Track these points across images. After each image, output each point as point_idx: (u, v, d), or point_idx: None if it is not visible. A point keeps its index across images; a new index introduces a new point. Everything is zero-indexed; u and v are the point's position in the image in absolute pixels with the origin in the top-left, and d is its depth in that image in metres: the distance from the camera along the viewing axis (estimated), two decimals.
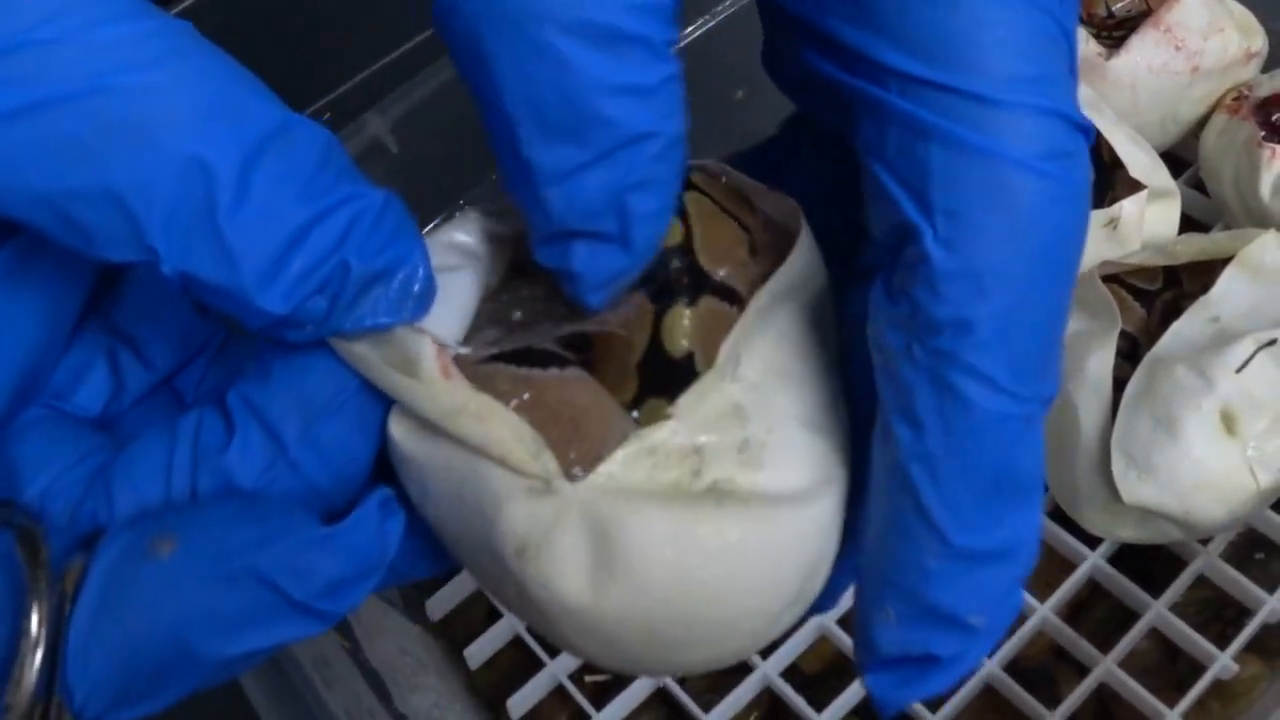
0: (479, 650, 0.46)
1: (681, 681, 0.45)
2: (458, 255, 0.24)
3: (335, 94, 0.56)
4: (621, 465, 0.22)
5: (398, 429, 0.23)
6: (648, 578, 0.22)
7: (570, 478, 0.22)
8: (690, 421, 0.22)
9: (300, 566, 0.21)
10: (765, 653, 0.44)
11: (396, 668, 0.44)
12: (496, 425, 0.22)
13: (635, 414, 0.23)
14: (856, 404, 0.25)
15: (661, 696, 0.45)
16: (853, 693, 0.43)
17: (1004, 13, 0.21)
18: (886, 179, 0.22)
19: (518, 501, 0.22)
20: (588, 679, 0.46)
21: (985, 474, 0.22)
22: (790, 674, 0.44)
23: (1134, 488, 0.39)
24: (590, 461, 0.22)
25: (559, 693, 0.45)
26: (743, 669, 0.44)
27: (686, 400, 0.23)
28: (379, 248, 0.21)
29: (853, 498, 0.24)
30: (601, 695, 0.45)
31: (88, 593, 0.21)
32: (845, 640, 0.44)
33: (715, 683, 0.44)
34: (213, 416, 0.23)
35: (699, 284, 0.24)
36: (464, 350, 0.23)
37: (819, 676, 0.45)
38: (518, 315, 0.24)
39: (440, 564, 0.25)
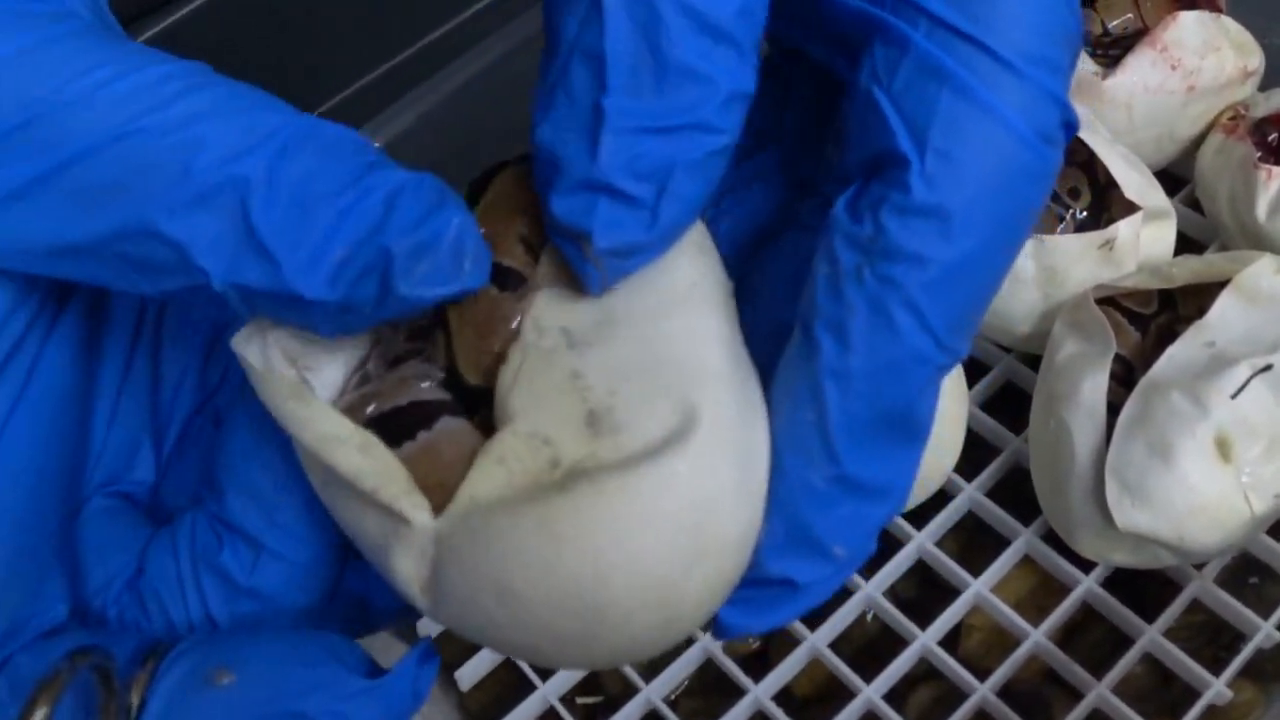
0: (470, 672, 0.46)
1: (673, 704, 0.45)
2: None
3: (325, 107, 0.56)
4: (478, 483, 0.21)
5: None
6: (529, 587, 0.21)
7: (435, 511, 0.22)
8: (529, 412, 0.22)
9: (342, 712, 0.23)
10: (757, 676, 0.44)
11: None
12: (372, 460, 0.22)
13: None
14: (759, 311, 0.25)
15: (654, 719, 0.44)
16: (846, 716, 0.42)
17: None
18: (888, 108, 0.22)
19: (399, 548, 0.22)
20: (579, 701, 0.46)
21: (891, 408, 0.22)
22: (782, 697, 0.44)
23: (1128, 514, 0.39)
24: (449, 491, 0.22)
25: (550, 715, 0.45)
26: (734, 691, 0.44)
27: (518, 394, 0.22)
28: (417, 222, 0.21)
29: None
30: (593, 716, 0.45)
31: (150, 714, 0.23)
32: (838, 663, 0.44)
33: (708, 706, 0.44)
34: (202, 526, 0.25)
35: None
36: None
37: (811, 700, 0.44)
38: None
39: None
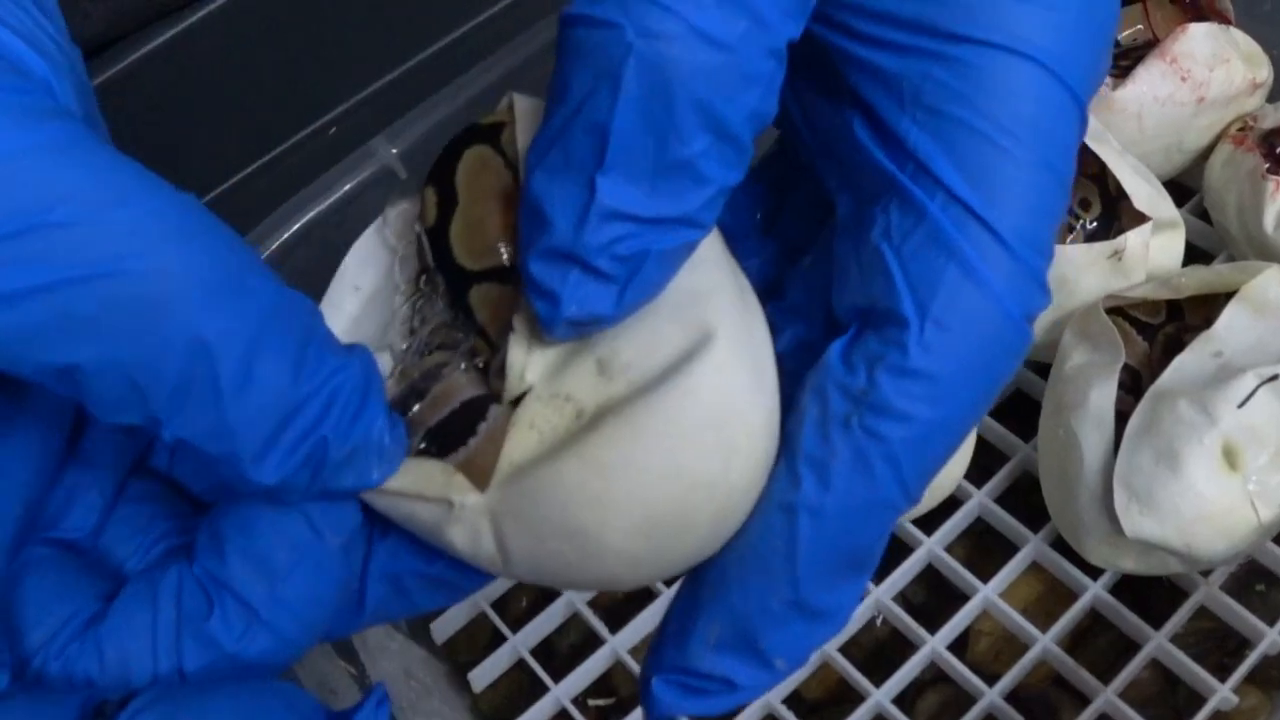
0: (483, 673, 0.46)
1: None
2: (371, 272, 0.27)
3: (340, 109, 0.56)
4: (515, 450, 0.23)
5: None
6: (591, 520, 0.23)
7: (480, 488, 0.24)
8: (547, 375, 0.24)
9: None
10: None
11: (402, 692, 0.44)
12: (408, 474, 0.24)
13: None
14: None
15: None
16: (860, 716, 0.43)
17: (1036, 174, 0.24)
18: (895, 270, 0.24)
19: (456, 529, 0.24)
20: (591, 703, 0.46)
21: (854, 547, 0.24)
22: (793, 701, 0.44)
23: (1136, 521, 0.40)
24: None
25: (563, 716, 0.45)
26: None
27: (533, 363, 0.24)
28: (353, 418, 0.23)
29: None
30: (605, 718, 0.45)
31: None
32: (848, 667, 0.44)
33: None
34: (191, 586, 0.25)
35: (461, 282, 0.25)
36: None
37: (821, 703, 0.45)
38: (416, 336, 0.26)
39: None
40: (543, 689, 0.45)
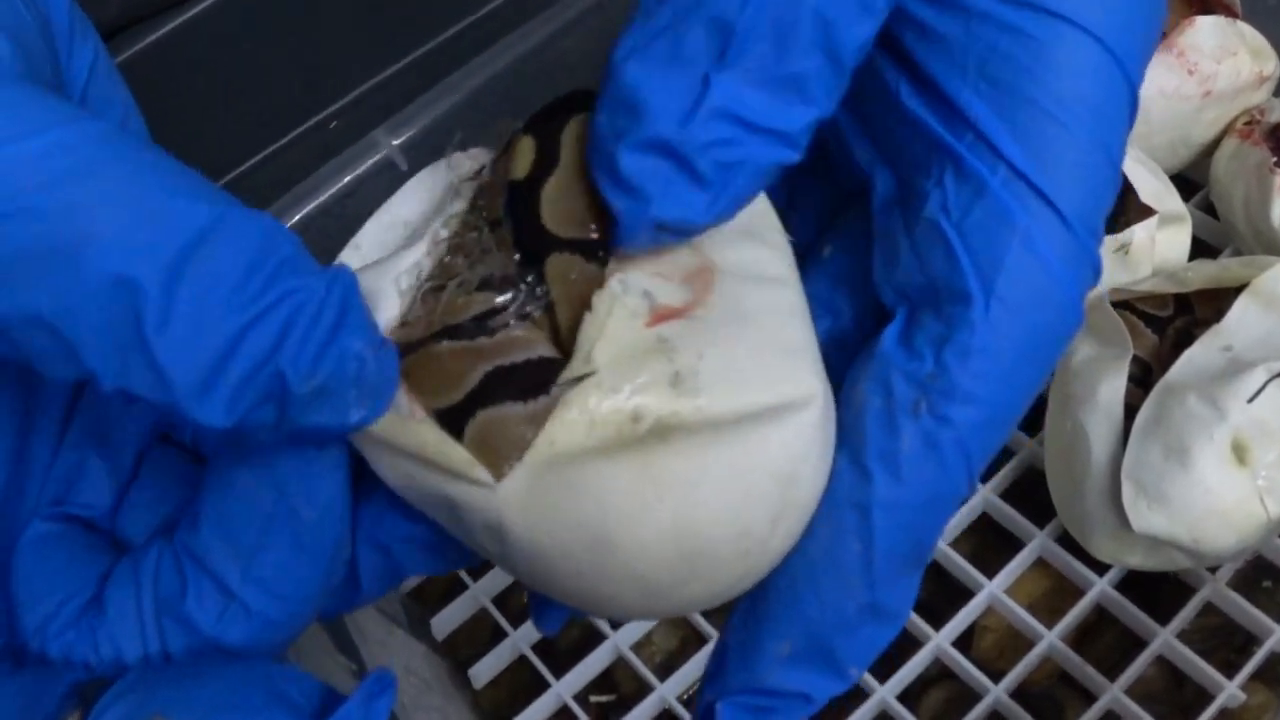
0: (484, 669, 0.46)
1: (686, 703, 0.45)
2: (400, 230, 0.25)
3: (342, 102, 0.56)
4: (558, 433, 0.22)
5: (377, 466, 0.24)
6: (626, 535, 0.22)
7: (502, 461, 0.22)
8: (614, 370, 0.22)
9: None
10: None
11: (402, 688, 0.44)
12: (418, 434, 0.23)
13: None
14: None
15: (668, 718, 0.44)
16: (860, 717, 0.43)
17: (1092, 156, 0.23)
18: (957, 244, 0.23)
19: (472, 507, 0.22)
20: (593, 699, 0.46)
21: (922, 540, 0.23)
22: None
23: (1144, 516, 0.39)
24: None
25: (564, 713, 0.45)
26: None
27: (603, 347, 0.22)
28: (320, 347, 0.20)
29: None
30: (606, 715, 0.45)
31: None
32: None
33: None
34: (168, 564, 0.23)
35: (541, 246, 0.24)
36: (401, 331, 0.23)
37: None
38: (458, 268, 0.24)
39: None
40: (544, 685, 0.45)
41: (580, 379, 0.22)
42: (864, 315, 0.26)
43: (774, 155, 0.21)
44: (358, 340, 0.21)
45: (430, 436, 0.22)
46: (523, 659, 0.46)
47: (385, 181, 0.46)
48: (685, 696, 0.45)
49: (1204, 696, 0.41)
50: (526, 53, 0.48)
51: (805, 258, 0.29)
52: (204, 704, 0.22)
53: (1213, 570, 0.43)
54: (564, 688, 0.45)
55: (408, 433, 0.22)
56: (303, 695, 0.23)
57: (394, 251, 0.25)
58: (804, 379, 0.23)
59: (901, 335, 0.23)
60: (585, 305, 0.23)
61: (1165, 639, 0.42)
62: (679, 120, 0.21)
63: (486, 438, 0.22)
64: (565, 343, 0.23)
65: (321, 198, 0.46)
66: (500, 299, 0.23)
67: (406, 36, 0.56)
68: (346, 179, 0.46)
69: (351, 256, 0.26)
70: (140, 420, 0.26)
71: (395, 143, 0.46)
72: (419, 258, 0.24)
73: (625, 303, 0.23)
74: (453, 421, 0.22)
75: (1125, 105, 0.24)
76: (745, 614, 0.25)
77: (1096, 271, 0.24)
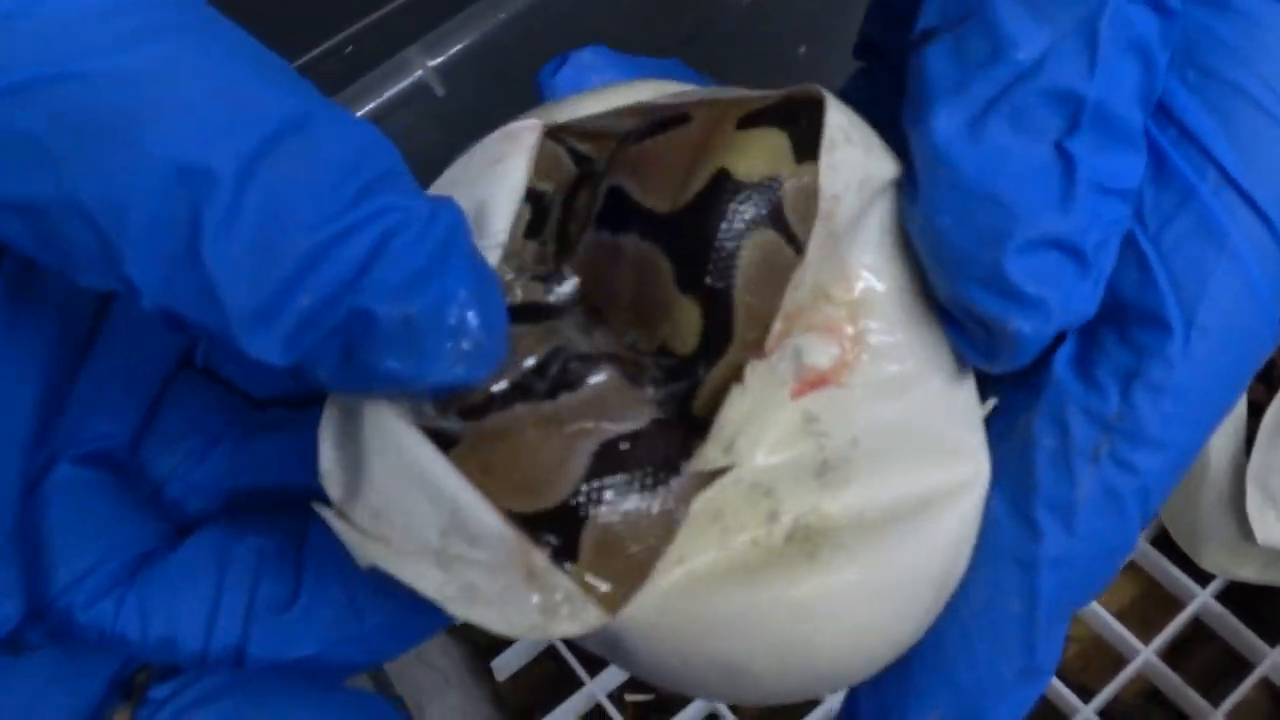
0: (508, 661, 0.41)
1: (733, 706, 0.40)
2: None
3: (366, 21, 0.50)
4: (688, 546, 0.18)
5: None
6: (766, 667, 0.18)
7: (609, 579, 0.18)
8: (757, 456, 0.18)
9: None
10: None
11: (415, 679, 0.39)
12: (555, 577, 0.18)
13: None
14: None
15: None
16: None
17: None
18: (1154, 260, 0.20)
19: (570, 621, 0.18)
20: (628, 698, 0.41)
21: (1091, 595, 0.21)
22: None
23: (1272, 528, 0.35)
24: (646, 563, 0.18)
25: (597, 712, 0.40)
26: (806, 701, 0.39)
27: (750, 433, 0.18)
28: (411, 281, 0.16)
29: None
30: (645, 716, 0.40)
31: None
32: None
33: (773, 711, 0.40)
34: (276, 565, 0.20)
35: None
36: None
37: None
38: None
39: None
40: (575, 682, 0.40)
41: (712, 475, 0.18)
42: None
43: (1120, 221, 0.19)
44: (463, 287, 0.16)
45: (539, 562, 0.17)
46: (551, 651, 0.41)
47: (418, 110, 0.40)
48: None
49: None
50: None
51: None
52: None
53: None
54: (598, 686, 0.40)
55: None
56: None
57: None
58: (968, 448, 0.20)
59: (1077, 360, 0.20)
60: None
61: (1275, 660, 0.38)
62: (1058, 205, 0.18)
63: (603, 552, 0.18)
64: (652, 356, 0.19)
65: None
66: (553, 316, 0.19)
67: None
68: (373, 104, 0.41)
69: None
70: (166, 343, 0.23)
71: (431, 64, 0.40)
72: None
73: (776, 366, 0.18)
74: (556, 527, 0.18)
75: None
76: (884, 680, 0.22)
77: None
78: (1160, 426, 0.19)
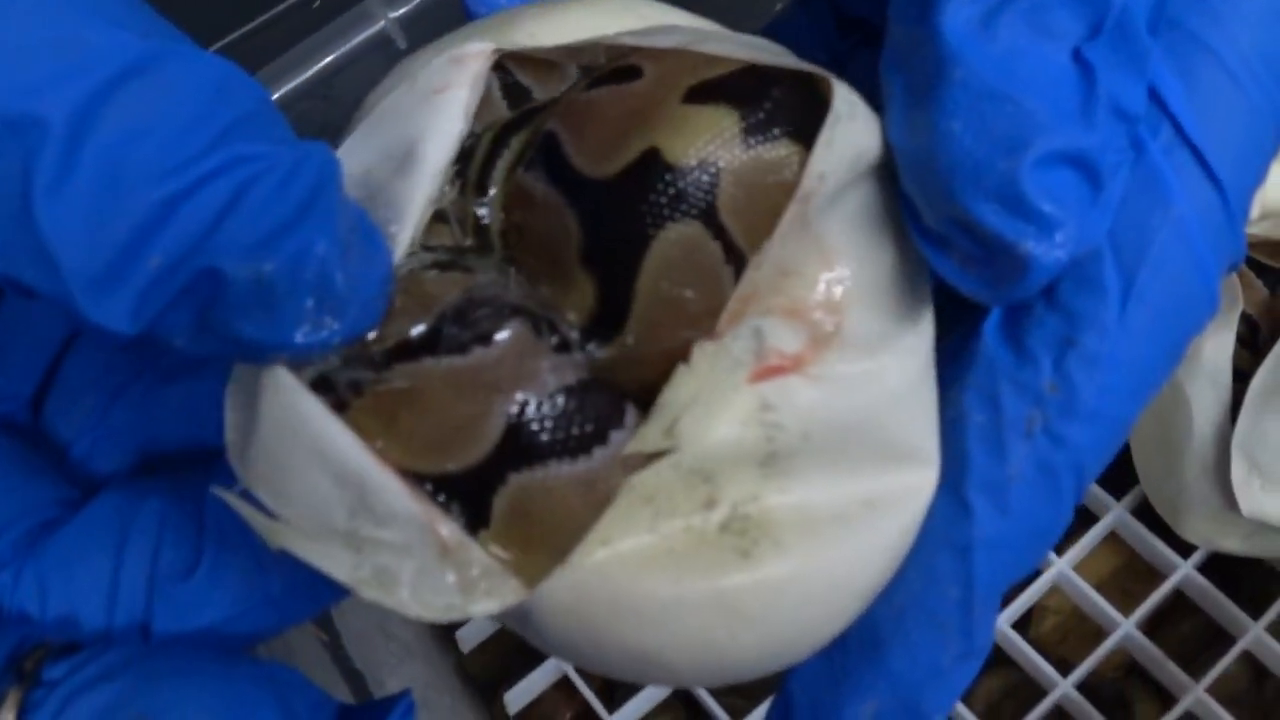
0: (473, 631, 0.40)
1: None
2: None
3: None
4: (614, 527, 0.17)
5: None
6: (685, 663, 0.17)
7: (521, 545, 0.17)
8: (700, 441, 0.17)
9: None
10: None
11: (375, 650, 0.38)
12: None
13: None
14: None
15: (682, 696, 0.39)
16: None
17: (1260, 122, 0.19)
18: None
19: (485, 595, 0.17)
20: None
21: (1024, 573, 0.20)
22: None
23: (1257, 498, 0.34)
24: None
25: (564, 685, 0.39)
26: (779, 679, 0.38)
27: (694, 415, 0.17)
28: (271, 232, 0.15)
29: None
30: (613, 691, 0.39)
31: None
32: None
33: (746, 689, 0.39)
34: (177, 529, 0.19)
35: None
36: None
37: None
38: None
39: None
40: (540, 655, 0.39)
41: (655, 455, 0.17)
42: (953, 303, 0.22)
43: (1126, 149, 0.18)
44: (322, 240, 0.15)
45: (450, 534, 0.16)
46: None
47: (380, 60, 0.39)
48: None
49: None
50: None
51: None
52: (198, 711, 0.19)
53: None
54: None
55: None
56: (305, 703, 0.20)
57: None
58: (922, 455, 0.18)
59: (1006, 328, 0.19)
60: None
61: (1257, 634, 0.37)
62: (1078, 117, 0.17)
63: (519, 516, 0.17)
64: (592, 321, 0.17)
65: (302, 77, 0.39)
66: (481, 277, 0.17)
67: None
68: (332, 56, 0.39)
69: None
70: None
71: (393, 15, 0.39)
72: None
73: (730, 348, 0.17)
74: (466, 492, 0.16)
75: None
76: (816, 672, 0.21)
77: (1238, 260, 0.20)
78: (1095, 398, 0.18)
